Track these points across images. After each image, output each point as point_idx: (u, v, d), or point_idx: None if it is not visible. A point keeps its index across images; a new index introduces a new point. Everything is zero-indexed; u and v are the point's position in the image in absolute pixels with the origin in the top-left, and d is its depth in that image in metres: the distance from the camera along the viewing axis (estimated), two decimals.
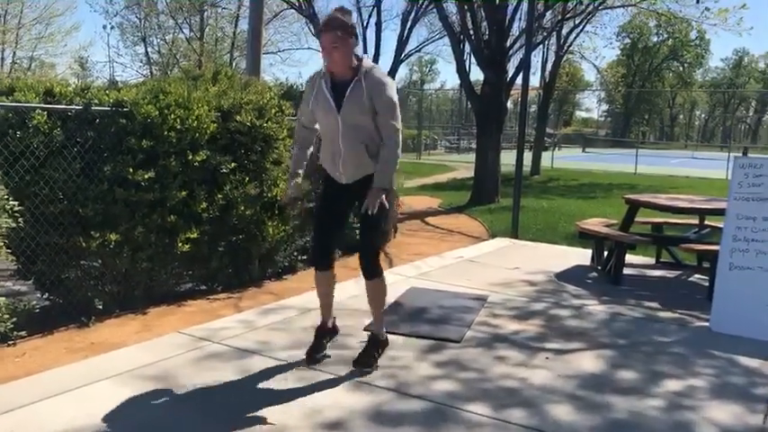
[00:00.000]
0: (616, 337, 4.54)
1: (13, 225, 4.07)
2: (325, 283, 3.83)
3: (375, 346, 3.74)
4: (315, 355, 3.81)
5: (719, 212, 5.58)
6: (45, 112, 4.32)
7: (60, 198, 4.40)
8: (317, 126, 3.74)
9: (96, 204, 4.54)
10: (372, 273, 3.63)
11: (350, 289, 5.19)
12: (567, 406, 3.38)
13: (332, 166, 3.67)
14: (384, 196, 3.42)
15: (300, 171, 3.75)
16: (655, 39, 66.21)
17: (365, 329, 4.39)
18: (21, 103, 4.28)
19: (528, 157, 18.07)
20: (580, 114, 79.95)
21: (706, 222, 6.82)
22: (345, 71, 3.47)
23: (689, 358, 4.15)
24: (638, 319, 5.00)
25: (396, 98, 3.49)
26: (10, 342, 4.08)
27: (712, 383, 3.76)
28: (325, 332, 3.93)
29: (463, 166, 22.69)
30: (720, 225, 6.33)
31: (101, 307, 4.69)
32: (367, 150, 3.52)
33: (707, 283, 5.78)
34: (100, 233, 4.52)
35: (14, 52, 33.39)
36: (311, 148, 3.84)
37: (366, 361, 3.67)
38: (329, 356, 3.87)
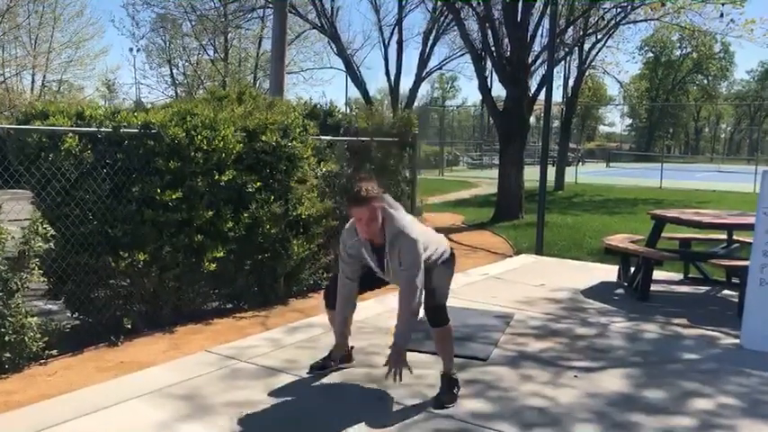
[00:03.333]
0: (644, 354, 4.49)
1: (45, 247, 4.15)
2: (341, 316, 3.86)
3: (452, 384, 3.69)
4: (316, 369, 3.92)
5: (748, 227, 5.51)
6: (76, 135, 4.42)
7: (90, 219, 4.49)
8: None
9: (125, 225, 4.62)
10: (439, 323, 3.63)
11: (374, 308, 5.21)
12: (595, 425, 3.35)
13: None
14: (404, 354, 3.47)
15: (347, 332, 3.87)
16: (678, 52, 65.71)
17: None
18: (53, 126, 4.38)
19: (551, 172, 18.00)
20: (603, 129, 79.46)
21: (734, 237, 6.73)
22: (380, 234, 3.49)
23: (719, 376, 4.09)
24: (666, 336, 4.94)
25: (420, 255, 3.47)
26: (42, 361, 4.15)
27: (744, 402, 3.70)
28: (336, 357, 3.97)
29: (486, 182, 22.63)
30: (749, 240, 6.26)
31: (129, 326, 4.74)
32: None
33: (736, 300, 5.70)
34: (128, 253, 4.59)
35: (44, 75, 34.09)
36: (354, 305, 3.85)
37: (449, 398, 3.59)
38: (360, 375, 3.88)
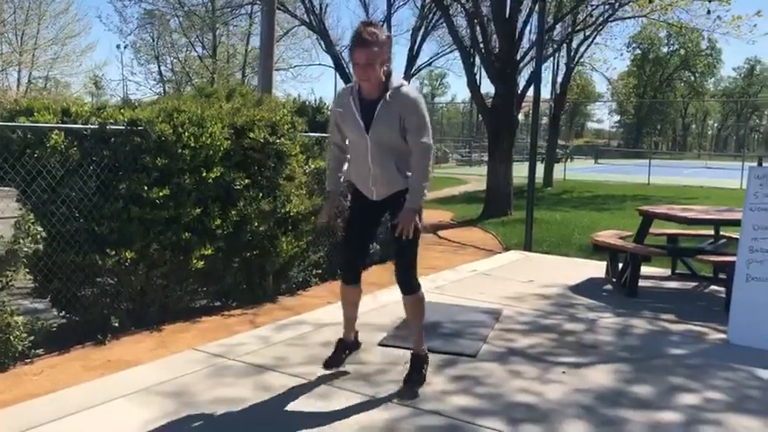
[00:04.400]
0: (632, 350, 4.51)
1: (34, 248, 4.11)
2: (352, 296, 3.84)
3: (421, 363, 3.69)
4: (331, 366, 3.84)
5: (735, 223, 5.55)
6: (62, 132, 4.38)
7: (76, 216, 4.45)
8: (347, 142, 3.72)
9: (112, 222, 4.58)
10: (411, 288, 3.60)
11: (364, 304, 5.18)
12: (583, 421, 3.36)
13: (362, 183, 3.65)
14: (417, 217, 3.42)
15: (337, 189, 3.77)
16: (665, 49, 66.09)
17: (380, 344, 4.40)
18: (39, 123, 4.34)
19: (540, 169, 18.06)
20: (592, 126, 79.81)
21: (721, 233, 6.77)
22: (376, 88, 3.40)
23: (707, 371, 4.11)
24: (654, 331, 4.96)
25: (426, 116, 3.44)
26: (27, 360, 4.11)
27: (731, 397, 3.72)
28: (347, 345, 3.94)
29: (475, 179, 22.67)
30: (736, 236, 6.30)
31: (116, 324, 4.71)
32: (397, 168, 3.50)
33: (723, 295, 5.73)
34: (115, 251, 4.55)
35: (30, 72, 33.81)
36: (346, 164, 3.78)
37: (417, 379, 3.63)
38: (348, 372, 3.87)
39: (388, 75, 3.42)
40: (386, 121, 3.40)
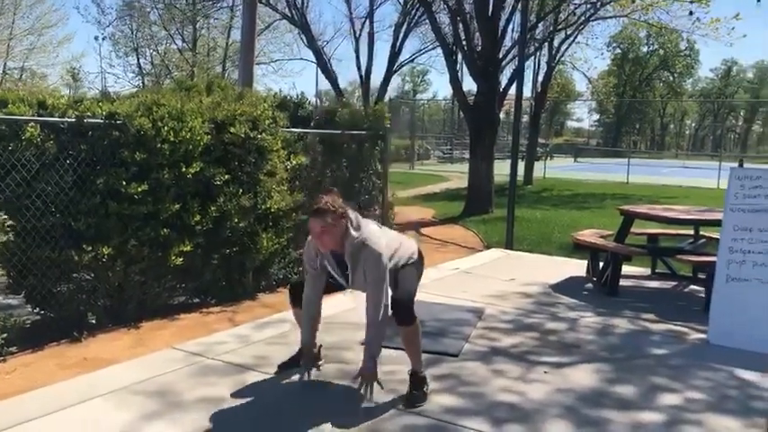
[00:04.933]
0: (614, 350, 4.51)
1: (3, 239, 4.02)
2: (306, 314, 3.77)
3: (421, 384, 3.63)
4: (284, 368, 3.83)
5: (715, 223, 5.58)
6: (38, 125, 4.28)
7: (52, 211, 4.35)
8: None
9: (89, 218, 4.49)
10: (405, 321, 3.56)
11: (344, 302, 5.14)
12: (566, 421, 3.35)
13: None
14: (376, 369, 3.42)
15: (314, 344, 3.75)
16: (645, 49, 66.65)
17: (362, 343, 4.35)
18: (13, 115, 4.23)
19: (520, 167, 18.08)
20: (571, 124, 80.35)
21: (701, 233, 6.81)
22: (340, 246, 3.43)
23: (688, 371, 4.13)
24: (635, 331, 4.97)
25: (385, 273, 3.43)
26: (0, 358, 4.01)
27: (712, 397, 3.74)
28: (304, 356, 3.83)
29: (456, 176, 22.68)
30: (715, 235, 6.34)
31: (93, 321, 4.62)
32: None
33: (703, 295, 5.77)
34: (92, 246, 4.47)
35: (5, 63, 33.22)
36: (318, 312, 3.75)
37: (419, 398, 3.54)
38: (330, 371, 3.82)
39: (347, 233, 3.40)
40: (359, 274, 3.46)
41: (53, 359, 4.13)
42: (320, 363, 3.94)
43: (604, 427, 3.30)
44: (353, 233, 3.40)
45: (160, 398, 3.45)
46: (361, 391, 3.39)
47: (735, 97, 76.27)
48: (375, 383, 3.41)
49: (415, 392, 3.54)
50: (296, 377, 3.74)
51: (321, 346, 3.97)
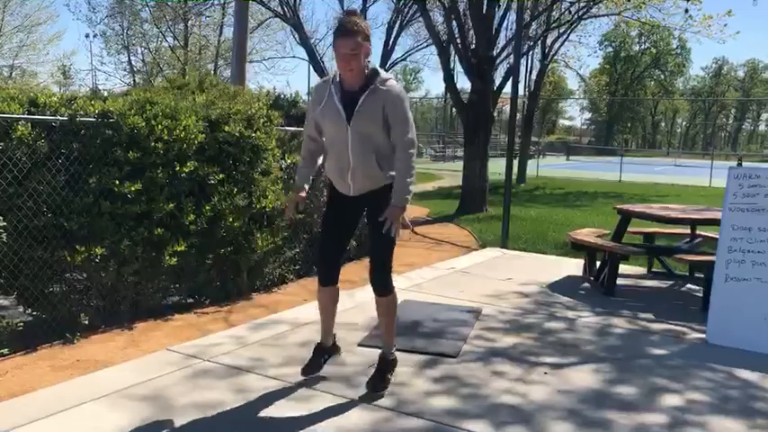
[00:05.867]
0: (613, 350, 4.48)
1: None
2: (330, 298, 3.68)
3: (387, 367, 3.60)
4: (309, 373, 3.69)
5: (714, 222, 5.55)
6: (29, 123, 4.20)
7: (44, 211, 4.28)
8: (324, 138, 3.58)
9: (81, 217, 4.42)
10: (385, 290, 3.50)
11: (342, 304, 5.09)
12: (567, 423, 3.31)
13: (339, 179, 3.51)
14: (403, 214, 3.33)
15: (306, 186, 3.61)
16: (637, 47, 66.90)
17: (360, 345, 4.31)
18: (4, 113, 4.15)
19: (514, 165, 18.08)
20: (563, 123, 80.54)
21: (698, 232, 6.80)
22: (359, 80, 3.31)
23: (687, 372, 4.10)
24: (633, 331, 4.95)
25: (410, 113, 3.37)
26: None
27: (712, 398, 3.71)
28: (325, 350, 3.78)
29: (449, 175, 22.68)
30: (711, 234, 6.33)
31: (86, 322, 4.55)
32: (378, 162, 3.39)
33: (700, 294, 5.76)
34: (85, 247, 4.39)
35: None
36: (319, 161, 3.65)
37: (380, 385, 3.53)
38: (327, 374, 3.76)
39: (373, 69, 3.34)
40: (369, 113, 3.30)
41: (46, 361, 4.06)
42: (338, 354, 3.90)
43: (607, 429, 3.26)
44: (381, 71, 3.33)
45: (155, 401, 3.38)
46: (385, 227, 3.28)
47: (726, 96, 76.65)
48: (401, 222, 3.33)
49: (378, 377, 3.52)
50: (292, 379, 3.69)
51: (336, 336, 3.90)
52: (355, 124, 3.33)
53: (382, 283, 3.49)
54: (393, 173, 3.40)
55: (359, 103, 3.30)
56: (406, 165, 3.34)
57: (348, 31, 3.16)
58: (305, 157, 3.65)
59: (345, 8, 22.54)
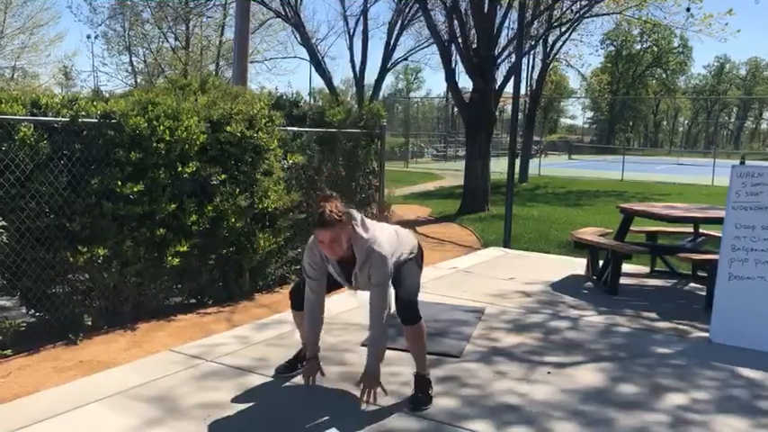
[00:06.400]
0: (616, 349, 4.47)
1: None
2: (301, 318, 3.69)
3: (426, 386, 3.57)
4: (281, 373, 3.75)
5: (716, 221, 5.54)
6: (31, 125, 4.20)
7: (47, 212, 4.28)
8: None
9: (84, 218, 4.42)
10: (412, 320, 3.49)
11: (344, 303, 5.10)
12: (570, 422, 3.30)
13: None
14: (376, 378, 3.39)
15: (319, 347, 3.66)
16: (638, 46, 66.82)
17: (363, 344, 4.30)
18: (6, 114, 4.15)
19: (516, 164, 18.05)
20: (565, 122, 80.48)
21: (701, 231, 6.78)
22: (345, 253, 3.35)
23: (691, 371, 4.09)
24: (637, 330, 4.94)
25: (389, 277, 3.39)
26: None
27: (716, 397, 3.70)
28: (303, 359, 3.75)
29: (450, 174, 22.67)
30: (714, 233, 6.32)
31: (89, 323, 4.56)
32: None
33: (704, 293, 5.74)
34: (87, 248, 4.40)
35: None
36: (323, 315, 3.65)
37: (424, 400, 3.48)
38: (332, 373, 3.75)
39: (353, 234, 3.33)
40: (364, 275, 3.40)
41: (49, 362, 4.06)
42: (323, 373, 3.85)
43: (610, 428, 3.26)
44: (364, 235, 3.33)
45: (159, 402, 3.38)
46: (363, 397, 3.34)
47: (728, 94, 76.54)
48: (378, 389, 3.37)
49: (420, 395, 3.48)
50: (297, 379, 3.69)
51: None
52: (357, 285, 3.51)
53: (409, 315, 3.48)
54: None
55: (353, 277, 3.44)
56: (379, 330, 3.40)
57: (324, 222, 3.21)
58: (310, 324, 3.61)
59: (345, 8, 22.54)
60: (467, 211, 12.36)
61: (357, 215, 3.38)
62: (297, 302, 3.68)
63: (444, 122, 44.45)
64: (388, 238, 3.48)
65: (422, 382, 3.54)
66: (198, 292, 5.49)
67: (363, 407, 3.37)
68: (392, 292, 3.45)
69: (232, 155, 5.47)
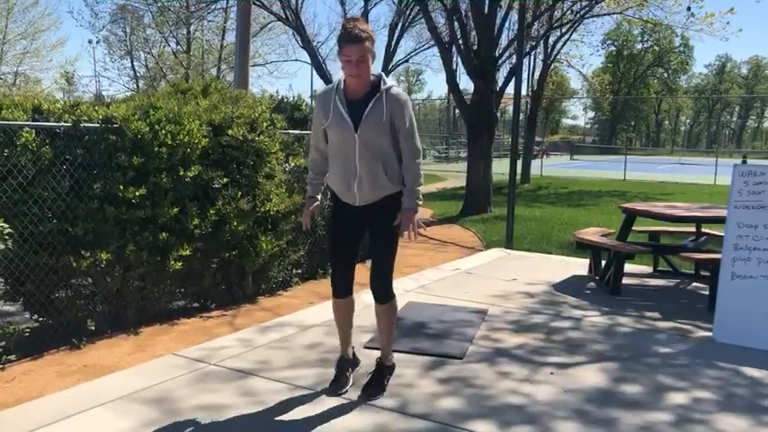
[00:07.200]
0: (619, 349, 4.47)
1: (1, 247, 3.96)
2: (346, 310, 3.65)
3: (385, 372, 3.58)
4: (339, 391, 3.59)
5: (719, 220, 5.54)
6: (33, 130, 4.22)
7: (49, 217, 4.29)
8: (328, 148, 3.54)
9: (86, 223, 4.43)
10: (386, 296, 3.48)
11: None
12: (574, 422, 3.30)
13: (345, 189, 3.45)
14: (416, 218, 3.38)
15: (319, 196, 3.64)
16: (639, 46, 66.80)
17: (366, 347, 4.30)
18: (8, 120, 4.17)
19: (518, 165, 18.05)
20: (566, 122, 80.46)
21: (703, 230, 6.78)
22: (365, 87, 3.29)
23: (694, 370, 4.09)
24: (640, 330, 4.93)
25: (415, 120, 3.39)
26: None
27: (719, 396, 3.70)
28: (349, 363, 3.72)
29: (452, 176, 22.66)
30: (717, 233, 6.32)
31: (92, 328, 4.56)
32: (384, 170, 3.37)
33: (706, 292, 5.74)
34: (90, 252, 4.41)
35: None
36: (327, 173, 3.61)
37: (376, 390, 3.51)
38: (330, 380, 3.76)
39: (378, 75, 3.33)
40: (377, 119, 3.27)
41: (53, 367, 4.07)
42: (358, 367, 3.83)
43: (613, 428, 3.26)
44: (389, 79, 3.33)
45: (163, 405, 3.39)
46: (404, 233, 3.33)
47: (729, 93, 76.45)
48: (416, 224, 3.39)
49: (375, 384, 3.51)
50: (298, 381, 3.69)
51: (353, 347, 3.84)
52: (363, 133, 3.30)
53: (383, 290, 3.47)
54: (397, 183, 3.42)
55: (366, 111, 3.27)
56: (415, 171, 3.39)
57: (355, 37, 3.12)
58: (313, 168, 3.64)
59: (346, 11, 22.61)
60: (469, 213, 12.36)
61: None
62: (342, 288, 3.59)
63: (446, 124, 44.46)
64: None
65: (382, 369, 3.58)
66: (201, 295, 5.50)
67: (366, 408, 3.37)
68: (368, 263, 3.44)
69: (234, 158, 5.47)
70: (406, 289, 5.89)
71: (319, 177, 3.63)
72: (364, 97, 3.29)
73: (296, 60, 41.18)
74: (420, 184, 3.42)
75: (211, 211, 5.19)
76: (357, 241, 3.61)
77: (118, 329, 4.76)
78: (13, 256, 4.16)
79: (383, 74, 3.37)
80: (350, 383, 3.65)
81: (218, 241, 5.32)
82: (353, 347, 3.82)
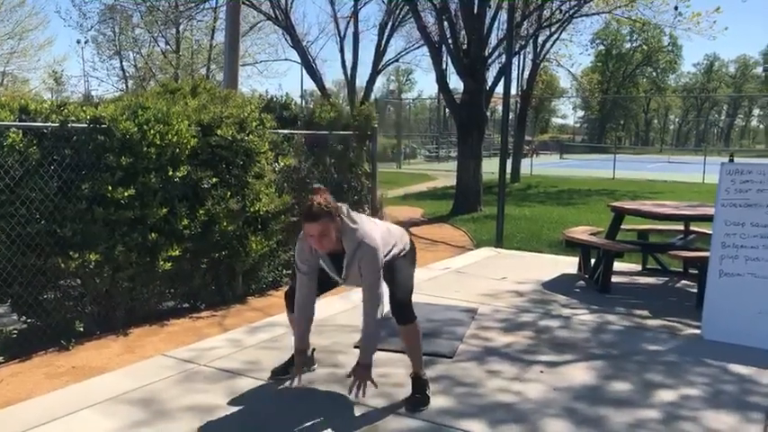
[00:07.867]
0: (608, 347, 4.49)
1: None
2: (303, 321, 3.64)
3: (423, 386, 3.56)
4: (278, 374, 3.72)
5: (706, 218, 5.57)
6: (20, 131, 4.19)
7: (37, 218, 4.27)
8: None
9: (75, 224, 4.41)
10: (406, 320, 3.49)
11: (337, 305, 5.11)
12: (563, 420, 3.32)
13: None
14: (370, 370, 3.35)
15: (308, 347, 3.67)
16: (628, 45, 67.11)
17: (356, 346, 4.30)
18: None
19: (507, 164, 18.09)
20: (556, 121, 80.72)
21: (691, 228, 6.82)
22: (336, 245, 3.33)
23: (682, 367, 4.11)
24: (629, 327, 4.96)
25: (381, 271, 3.37)
26: None
27: (708, 393, 3.72)
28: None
29: (443, 175, 22.68)
30: (705, 231, 6.36)
31: (81, 329, 4.54)
32: None
33: (695, 290, 5.77)
34: (79, 253, 4.39)
35: None
36: (314, 315, 3.61)
37: (422, 400, 3.48)
38: (324, 376, 3.75)
39: (344, 227, 3.31)
40: (355, 271, 3.36)
41: (41, 368, 4.05)
42: (313, 367, 3.89)
43: (603, 426, 3.27)
44: (351, 226, 3.31)
45: (151, 407, 3.38)
46: (353, 390, 3.30)
47: (717, 92, 76.93)
48: (368, 383, 3.34)
49: (418, 396, 3.48)
50: (288, 383, 3.68)
51: (314, 349, 3.92)
52: (348, 280, 3.47)
53: (404, 315, 3.48)
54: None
55: (344, 270, 3.39)
56: (372, 323, 3.36)
57: (313, 215, 3.19)
58: (300, 307, 3.56)
59: (336, 11, 22.55)
60: (459, 212, 12.38)
61: (344, 208, 3.35)
62: (292, 305, 3.64)
63: (436, 123, 44.49)
64: (378, 232, 3.46)
65: (419, 382, 3.54)
66: (190, 296, 5.48)
67: (358, 408, 3.37)
68: (386, 290, 3.44)
69: (223, 158, 5.46)
70: None
71: (307, 321, 3.59)
72: (339, 250, 3.35)
73: (286, 60, 40.94)
74: (374, 349, 3.41)
75: (201, 212, 5.18)
76: (328, 287, 3.68)
77: (107, 330, 4.74)
78: (1, 257, 4.14)
79: (346, 219, 3.32)
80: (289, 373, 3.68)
81: (207, 241, 5.31)
82: (313, 349, 3.86)
